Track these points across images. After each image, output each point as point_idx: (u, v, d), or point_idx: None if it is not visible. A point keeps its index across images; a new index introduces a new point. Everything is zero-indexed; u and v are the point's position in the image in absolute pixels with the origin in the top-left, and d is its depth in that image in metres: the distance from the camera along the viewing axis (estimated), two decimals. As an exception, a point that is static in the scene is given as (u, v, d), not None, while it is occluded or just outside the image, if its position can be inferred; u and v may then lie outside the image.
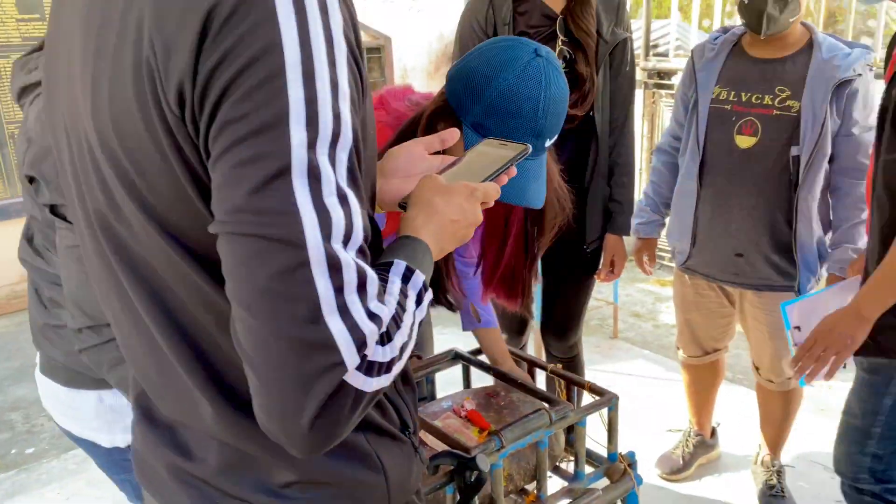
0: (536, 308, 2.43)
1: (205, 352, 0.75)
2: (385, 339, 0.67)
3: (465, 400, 1.62)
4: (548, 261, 2.25)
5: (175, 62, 0.61)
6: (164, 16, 0.62)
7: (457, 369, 1.84)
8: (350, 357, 0.62)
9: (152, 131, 0.65)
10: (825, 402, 3.08)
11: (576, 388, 1.70)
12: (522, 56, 1.16)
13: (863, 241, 2.08)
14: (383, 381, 0.67)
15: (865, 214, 2.08)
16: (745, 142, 2.11)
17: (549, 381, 1.78)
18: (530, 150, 0.94)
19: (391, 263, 0.74)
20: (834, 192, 2.11)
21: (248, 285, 0.60)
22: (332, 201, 0.62)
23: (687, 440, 2.60)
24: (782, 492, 2.35)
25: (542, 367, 1.74)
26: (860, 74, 1.99)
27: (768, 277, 2.17)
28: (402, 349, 0.70)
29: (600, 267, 2.24)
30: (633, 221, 2.37)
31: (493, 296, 1.55)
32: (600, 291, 4.35)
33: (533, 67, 1.16)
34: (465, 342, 1.84)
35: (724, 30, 2.23)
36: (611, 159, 2.12)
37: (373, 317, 0.64)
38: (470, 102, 1.18)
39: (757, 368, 2.37)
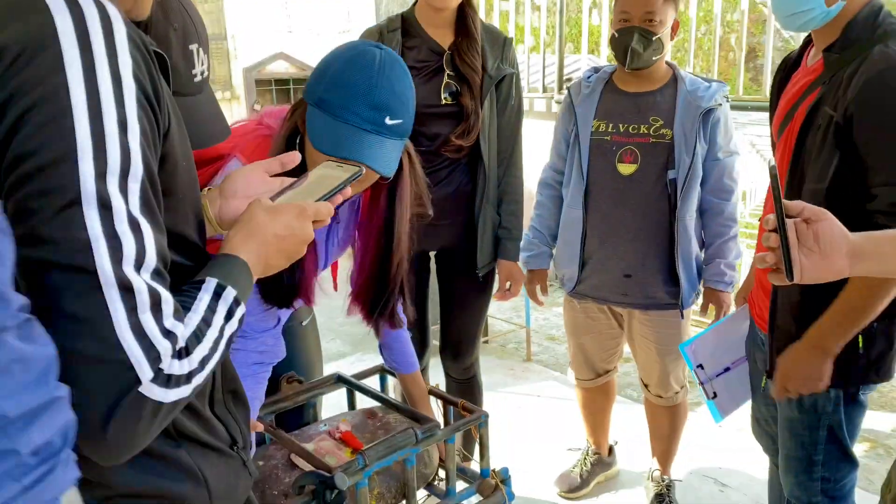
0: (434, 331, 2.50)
1: None
2: (183, 353, 0.72)
3: (340, 422, 1.67)
4: (443, 285, 2.32)
5: None
6: None
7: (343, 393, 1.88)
8: (144, 371, 0.67)
9: None
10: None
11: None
12: (364, 45, 1.31)
13: (733, 256, 2.25)
14: (182, 392, 0.72)
15: (734, 230, 2.24)
16: (626, 169, 2.24)
17: (445, 407, 1.82)
18: (363, 171, 1.01)
19: (203, 281, 0.79)
20: (705, 212, 2.25)
21: (55, 310, 0.65)
22: (123, 229, 0.67)
23: (585, 458, 2.68)
24: (671, 504, 2.45)
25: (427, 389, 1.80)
26: (720, 104, 2.16)
27: (655, 296, 2.28)
28: (203, 362, 0.75)
29: (496, 290, 2.32)
30: (523, 255, 2.46)
31: (357, 308, 1.56)
32: (518, 316, 4.45)
33: (370, 51, 1.29)
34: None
35: (595, 69, 2.38)
36: (500, 189, 2.21)
37: (168, 334, 0.70)
38: (314, 84, 1.31)
39: (646, 385, 2.47)
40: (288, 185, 1.00)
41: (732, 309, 2.21)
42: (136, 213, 0.69)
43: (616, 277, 2.30)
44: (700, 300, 2.36)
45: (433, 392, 1.78)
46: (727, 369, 2.07)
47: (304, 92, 1.34)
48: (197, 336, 0.74)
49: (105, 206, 0.66)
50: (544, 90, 4.95)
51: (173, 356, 0.70)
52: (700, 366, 2.08)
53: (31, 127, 0.64)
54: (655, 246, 2.24)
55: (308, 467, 1.45)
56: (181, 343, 0.72)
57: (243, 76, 5.70)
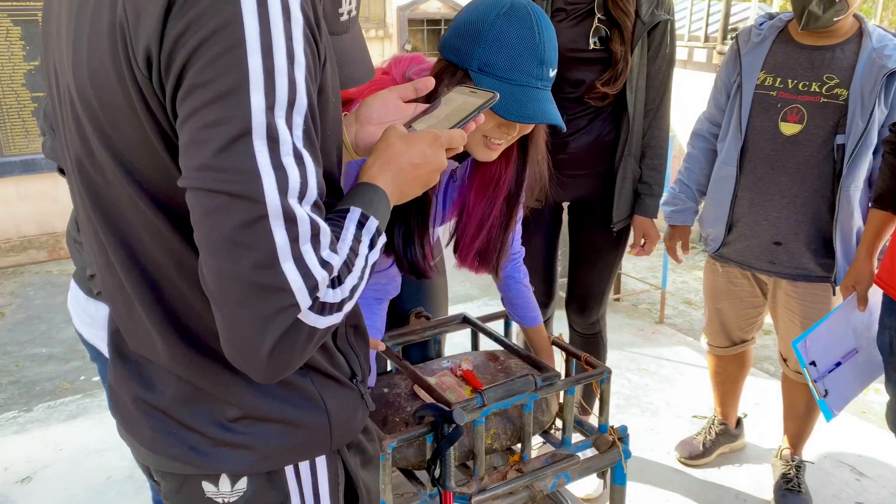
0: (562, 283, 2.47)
1: (164, 294, 0.83)
2: (336, 282, 0.74)
3: (463, 360, 1.70)
4: (574, 237, 2.29)
5: (144, 27, 0.67)
6: None
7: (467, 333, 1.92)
8: (303, 299, 0.70)
9: (124, 87, 0.72)
10: (868, 405, 2.99)
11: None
12: None
13: None
14: (334, 319, 0.75)
15: None
16: (789, 129, 2.08)
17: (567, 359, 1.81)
18: (498, 97, 0.98)
19: (347, 210, 0.81)
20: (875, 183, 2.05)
21: (214, 235, 0.68)
22: (288, 161, 0.69)
23: (710, 427, 2.59)
24: (798, 487, 2.33)
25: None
26: None
27: (805, 267, 2.14)
28: (353, 290, 0.77)
29: (630, 243, 2.26)
30: (666, 209, 2.37)
31: (467, 263, 1.56)
32: (654, 276, 4.32)
33: (519, 4, 1.23)
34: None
35: (770, 16, 2.19)
36: (644, 141, 2.12)
37: (325, 264, 0.72)
38: (470, 48, 1.23)
39: (784, 360, 2.34)
40: (422, 111, 1.00)
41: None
42: (300, 145, 0.70)
43: (764, 244, 2.16)
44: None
45: (557, 343, 1.78)
46: (838, 364, 1.94)
47: (449, 54, 1.28)
48: (347, 265, 0.76)
49: (273, 138, 0.68)
50: (706, 40, 4.66)
51: (329, 285, 0.73)
52: (812, 363, 1.95)
53: (205, 59, 0.66)
54: (812, 215, 2.08)
55: (429, 399, 1.50)
56: (335, 273, 0.74)
57: (397, 15, 5.76)
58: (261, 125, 0.67)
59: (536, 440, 1.72)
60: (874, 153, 2.03)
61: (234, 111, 0.66)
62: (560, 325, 2.43)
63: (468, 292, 4.08)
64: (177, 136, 0.70)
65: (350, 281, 0.76)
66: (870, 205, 1.99)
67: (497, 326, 1.88)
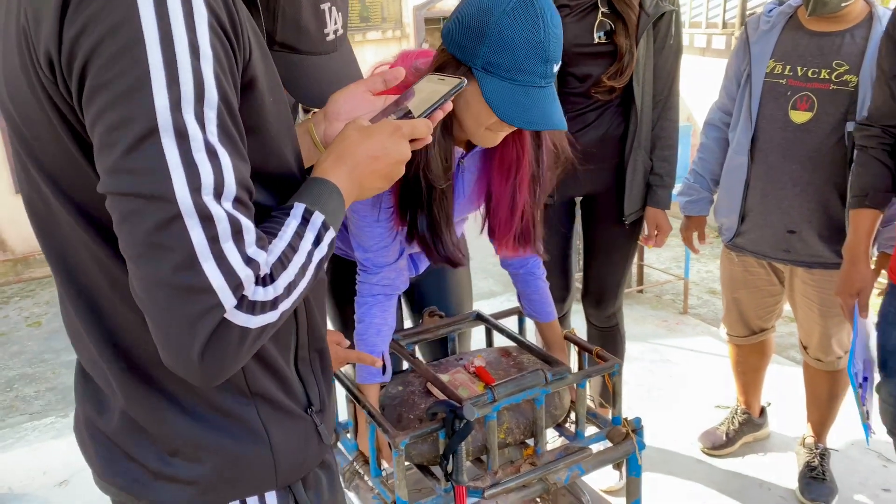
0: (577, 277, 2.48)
1: (103, 315, 0.81)
2: (268, 279, 0.72)
3: (476, 357, 1.73)
4: (587, 231, 2.30)
5: (43, 30, 0.67)
6: None
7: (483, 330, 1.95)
8: (227, 299, 0.67)
9: (36, 96, 0.71)
10: None
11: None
12: None
13: None
14: (268, 318, 0.72)
15: None
16: (800, 117, 2.06)
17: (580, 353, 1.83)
18: (465, 83, 0.95)
19: (291, 207, 0.79)
20: None
21: (132, 239, 0.66)
22: (200, 157, 0.66)
23: (733, 417, 2.59)
24: (823, 475, 2.31)
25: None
26: None
27: (820, 254, 2.13)
28: (290, 288, 0.74)
29: (643, 235, 2.26)
30: (681, 199, 2.36)
31: (508, 248, 1.58)
32: (678, 266, 4.29)
33: None
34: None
35: (780, 2, 2.17)
36: (653, 133, 2.12)
37: (250, 262, 0.69)
38: (474, 45, 1.22)
39: (805, 347, 2.33)
40: (391, 102, 0.96)
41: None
42: (214, 140, 0.67)
43: (778, 233, 2.15)
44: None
45: (569, 338, 1.80)
46: (865, 379, 1.92)
47: (452, 48, 1.27)
48: (282, 262, 0.74)
49: (181, 135, 0.65)
50: (724, 26, 4.61)
51: (257, 283, 0.71)
52: (866, 378, 1.92)
53: (103, 59, 0.64)
54: (825, 202, 2.06)
55: (441, 396, 1.53)
56: (265, 269, 0.72)
57: (413, 15, 5.80)
58: (167, 122, 0.65)
59: (552, 434, 1.74)
60: None
61: (138, 110, 0.64)
62: (577, 320, 2.44)
63: (491, 288, 4.10)
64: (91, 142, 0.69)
65: (285, 278, 0.74)
66: (852, 204, 1.90)
67: (511, 323, 1.90)
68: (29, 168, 0.78)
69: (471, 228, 1.75)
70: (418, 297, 1.91)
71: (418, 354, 1.99)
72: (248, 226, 0.70)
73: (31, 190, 0.80)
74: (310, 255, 0.78)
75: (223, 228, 0.68)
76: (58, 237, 0.81)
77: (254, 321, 0.71)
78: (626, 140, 2.08)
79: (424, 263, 1.79)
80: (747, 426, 2.58)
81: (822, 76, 2.02)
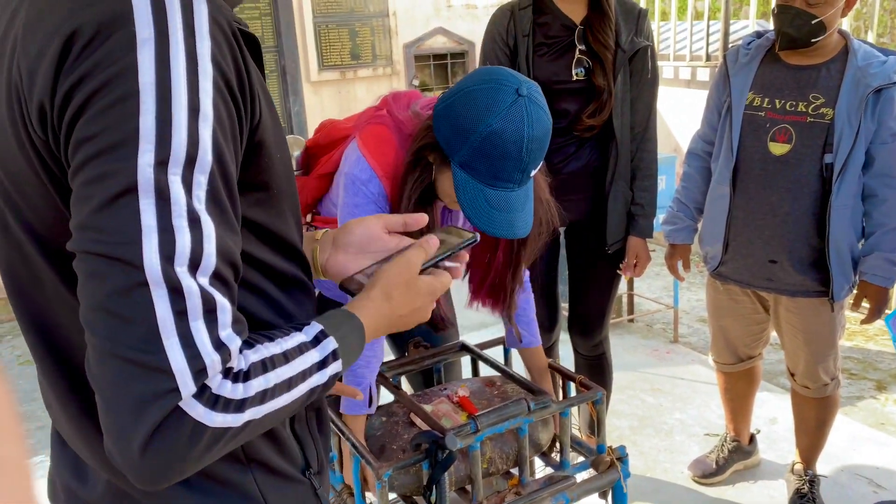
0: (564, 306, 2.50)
1: (82, 383, 0.72)
2: (241, 376, 0.64)
3: (460, 387, 1.74)
4: (572, 261, 2.33)
5: (37, 84, 0.62)
6: (30, 40, 0.63)
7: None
8: (185, 384, 0.60)
9: (24, 152, 0.66)
10: (886, 416, 2.96)
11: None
12: (505, 98, 1.23)
13: None
14: (230, 420, 0.63)
15: None
16: (778, 149, 2.10)
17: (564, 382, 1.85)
18: (478, 238, 0.96)
19: (307, 324, 0.74)
20: (868, 198, 2.07)
21: (89, 303, 0.60)
22: (179, 223, 0.60)
23: (723, 445, 2.59)
24: (813, 501, 2.31)
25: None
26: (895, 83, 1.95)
27: (802, 284, 2.15)
28: (264, 396, 0.66)
29: (623, 264, 2.29)
30: (666, 228, 2.40)
31: (479, 303, 1.68)
32: (668, 295, 4.31)
33: (516, 110, 1.23)
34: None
35: (758, 34, 2.23)
36: (633, 163, 2.16)
37: (220, 346, 0.62)
38: (458, 144, 1.28)
39: (792, 374, 2.34)
40: (405, 246, 0.93)
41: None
42: (199, 207, 0.62)
43: (760, 262, 2.18)
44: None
45: (553, 366, 1.81)
46: None
47: (438, 134, 1.32)
48: (265, 365, 0.67)
49: (162, 197, 0.60)
50: (707, 59, 4.70)
51: (225, 376, 0.63)
52: None
53: (94, 110, 0.60)
54: (804, 233, 2.09)
55: (425, 427, 1.54)
56: (237, 362, 0.64)
57: (403, 52, 5.89)
58: (148, 181, 0.59)
59: (538, 464, 1.75)
60: (864, 169, 2.04)
61: (120, 165, 0.59)
62: (564, 349, 2.46)
63: (482, 319, 4.10)
64: None
65: (261, 382, 0.66)
66: None
67: (496, 353, 1.92)
68: (9, 226, 0.73)
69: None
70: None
71: (406, 385, 2.00)
72: (223, 305, 0.63)
73: (10, 249, 0.75)
74: (305, 374, 0.71)
75: (193, 304, 0.61)
76: (37, 301, 0.75)
77: (212, 418, 0.62)
78: (607, 171, 2.12)
79: None
80: (737, 454, 2.58)
81: (799, 109, 2.07)
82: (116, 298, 0.59)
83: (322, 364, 0.72)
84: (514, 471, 1.65)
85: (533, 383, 1.71)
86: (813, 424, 2.33)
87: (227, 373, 0.64)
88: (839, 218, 2.04)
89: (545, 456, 1.74)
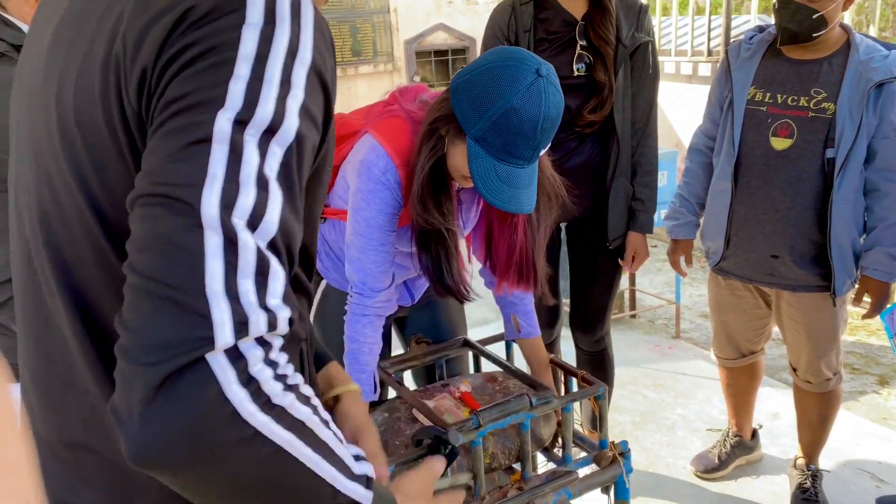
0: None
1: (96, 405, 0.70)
2: (285, 380, 0.58)
3: (462, 383, 1.74)
4: (573, 256, 2.33)
5: (142, 52, 0.62)
6: (143, 12, 0.64)
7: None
8: (222, 334, 0.54)
9: (111, 127, 0.65)
10: (888, 411, 2.96)
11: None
12: (526, 77, 1.26)
13: None
14: (264, 421, 0.55)
15: None
16: (780, 143, 2.10)
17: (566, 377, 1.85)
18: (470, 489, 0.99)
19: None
20: (870, 192, 2.06)
21: (137, 245, 0.57)
22: (246, 180, 0.58)
23: (725, 440, 2.59)
24: (816, 496, 2.31)
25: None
26: None
27: (804, 279, 2.15)
28: (296, 428, 0.58)
29: (621, 259, 2.29)
30: (668, 223, 2.40)
31: (508, 285, 1.64)
32: (670, 290, 4.32)
33: (535, 89, 1.26)
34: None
35: (760, 28, 2.22)
36: (633, 159, 2.16)
37: (267, 310, 0.56)
38: (475, 117, 1.30)
39: (794, 370, 2.34)
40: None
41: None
42: (270, 174, 0.59)
43: (762, 257, 2.18)
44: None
45: (554, 362, 1.81)
46: None
47: (456, 107, 1.34)
48: (308, 401, 0.61)
49: (235, 151, 0.58)
50: (709, 54, 4.70)
51: (267, 362, 0.57)
52: None
53: (189, 72, 0.60)
54: (806, 228, 2.09)
55: (427, 422, 1.55)
56: (284, 365, 0.58)
57: (404, 48, 5.89)
58: (224, 134, 0.58)
59: (540, 458, 1.75)
60: (866, 164, 2.04)
61: (200, 118, 0.58)
62: (566, 345, 2.46)
63: (484, 315, 4.11)
64: None
65: (300, 409, 0.59)
66: None
67: (498, 349, 1.92)
68: (66, 204, 0.69)
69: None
70: (411, 325, 1.93)
71: (409, 381, 2.00)
72: (276, 271, 0.58)
73: (61, 227, 0.71)
74: (333, 456, 0.62)
75: (246, 261, 0.56)
76: (79, 279, 0.70)
77: (239, 398, 0.54)
78: (608, 167, 2.12)
79: (420, 292, 1.82)
80: (739, 449, 2.58)
81: (800, 104, 2.06)
82: (167, 237, 0.55)
83: (351, 471, 0.64)
84: (517, 466, 1.65)
85: (535, 378, 1.70)
86: (815, 419, 2.33)
87: (270, 361, 0.57)
88: (840, 213, 2.03)
89: (547, 451, 1.74)
